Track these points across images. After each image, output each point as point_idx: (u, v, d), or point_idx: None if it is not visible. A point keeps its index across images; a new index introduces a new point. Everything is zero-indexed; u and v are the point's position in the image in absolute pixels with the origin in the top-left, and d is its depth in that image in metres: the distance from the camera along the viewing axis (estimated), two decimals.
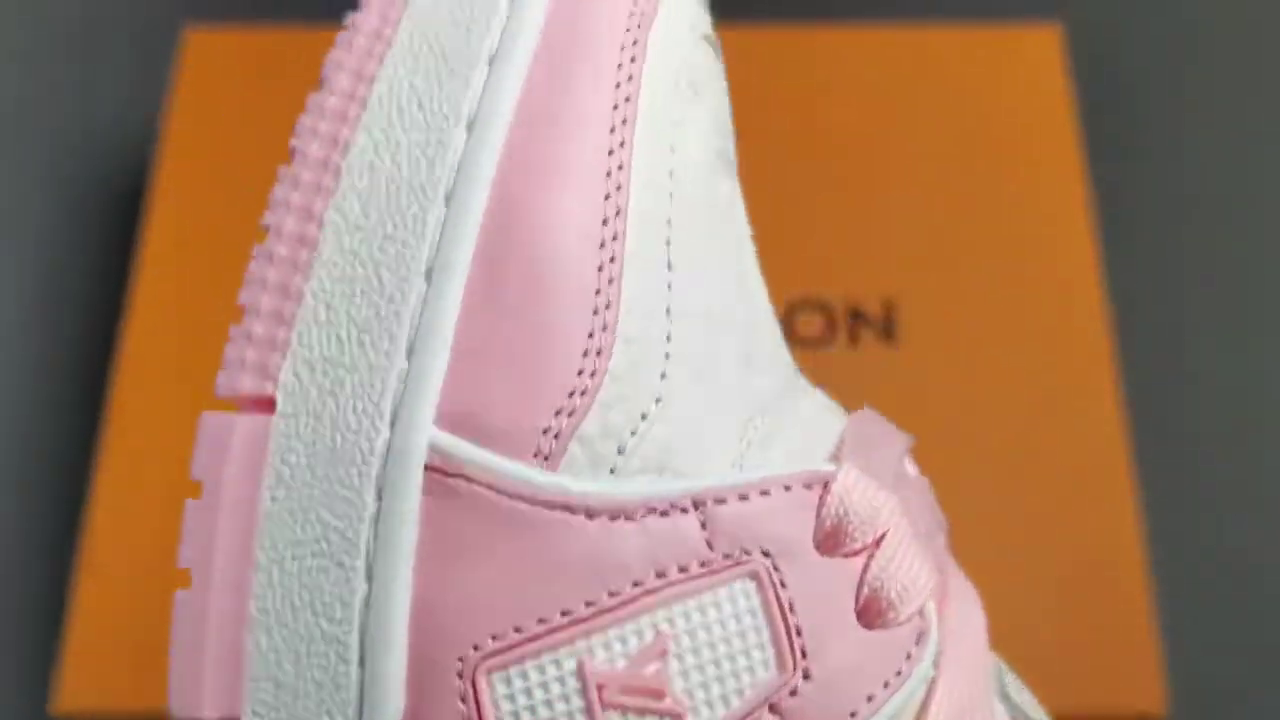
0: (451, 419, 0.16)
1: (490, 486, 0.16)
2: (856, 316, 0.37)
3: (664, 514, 0.16)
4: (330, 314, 0.17)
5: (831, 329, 0.37)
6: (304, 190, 0.17)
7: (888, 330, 0.37)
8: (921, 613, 0.18)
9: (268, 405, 0.17)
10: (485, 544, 0.16)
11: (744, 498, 0.17)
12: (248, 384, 0.17)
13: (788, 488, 0.17)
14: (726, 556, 0.16)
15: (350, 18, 0.18)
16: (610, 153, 0.17)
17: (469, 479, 0.16)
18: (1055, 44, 0.41)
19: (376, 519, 0.16)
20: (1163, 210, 0.46)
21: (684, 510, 0.16)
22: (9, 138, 0.48)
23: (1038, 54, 0.41)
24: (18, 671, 0.39)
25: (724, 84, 0.20)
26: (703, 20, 0.20)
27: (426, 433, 0.16)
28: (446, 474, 0.16)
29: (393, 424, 0.16)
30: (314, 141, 0.17)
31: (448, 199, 0.16)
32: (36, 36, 0.50)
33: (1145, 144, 0.48)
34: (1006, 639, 0.34)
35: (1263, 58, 0.50)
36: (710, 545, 0.16)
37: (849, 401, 0.37)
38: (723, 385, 0.18)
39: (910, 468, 0.20)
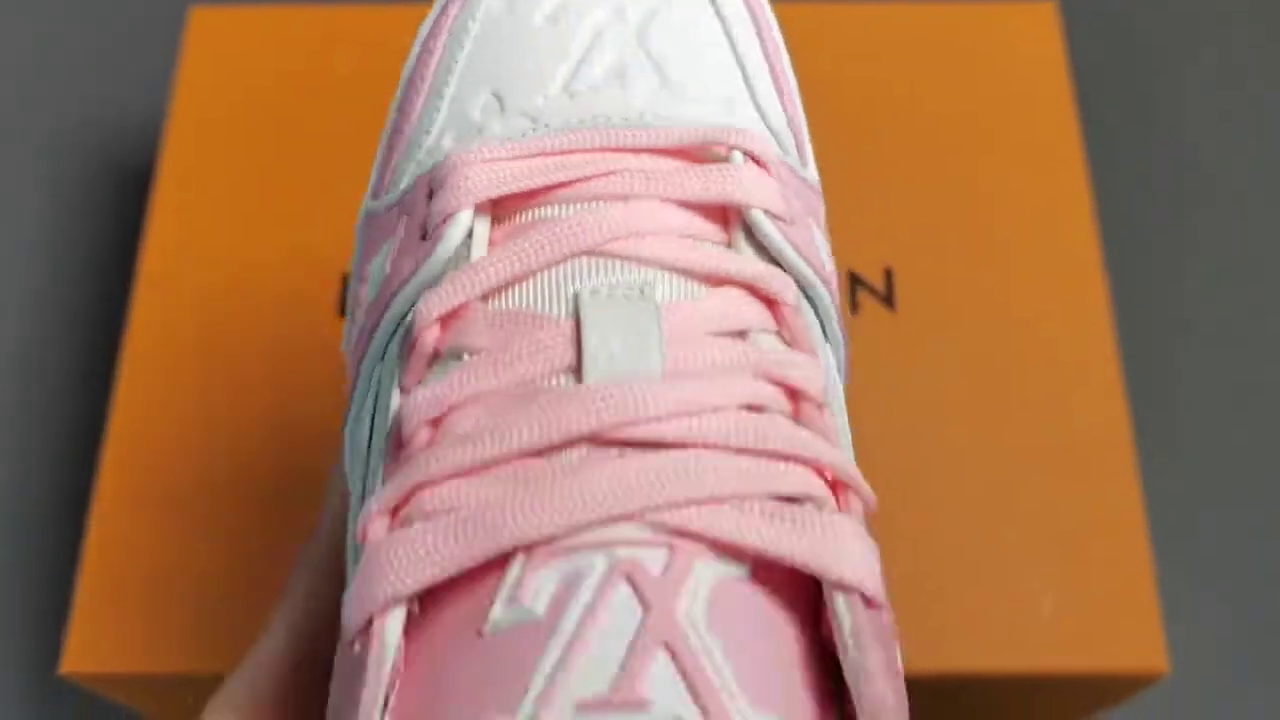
0: None
1: None
2: (858, 284, 0.38)
3: None
4: None
5: None
6: None
7: (888, 297, 0.37)
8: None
9: None
10: None
11: None
12: None
13: None
14: None
15: None
16: None
17: None
18: (1051, 18, 0.42)
19: None
20: (1159, 181, 0.47)
21: None
22: (16, 118, 0.48)
23: (1034, 28, 0.42)
24: (26, 633, 0.39)
25: None
26: None
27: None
28: None
29: None
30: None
31: None
32: (42, 18, 0.50)
33: (1141, 115, 0.48)
34: (1008, 599, 0.34)
35: (1257, 32, 0.50)
36: None
37: (853, 366, 0.38)
38: None
39: None
